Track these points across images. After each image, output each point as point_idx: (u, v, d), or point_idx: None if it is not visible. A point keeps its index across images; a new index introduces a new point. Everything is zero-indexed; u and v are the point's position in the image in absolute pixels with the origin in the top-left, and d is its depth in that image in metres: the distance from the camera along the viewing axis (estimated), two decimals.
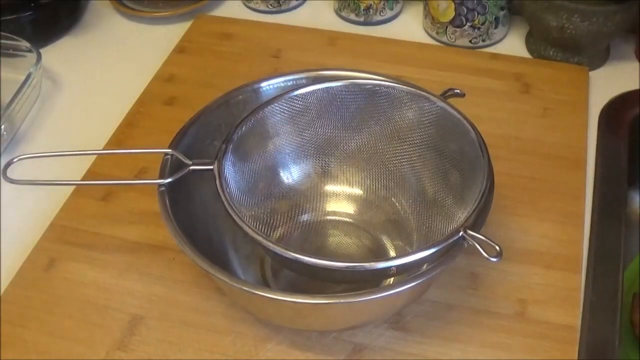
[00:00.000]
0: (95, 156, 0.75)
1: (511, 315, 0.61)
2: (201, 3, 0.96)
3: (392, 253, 0.64)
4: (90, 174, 0.73)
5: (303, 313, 0.56)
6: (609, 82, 0.82)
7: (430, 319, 0.60)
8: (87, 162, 0.74)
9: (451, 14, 0.85)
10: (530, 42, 0.87)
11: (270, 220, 0.64)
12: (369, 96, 0.63)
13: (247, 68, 0.85)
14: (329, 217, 0.67)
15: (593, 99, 0.80)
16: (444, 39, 0.88)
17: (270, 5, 0.95)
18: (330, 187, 0.67)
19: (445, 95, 0.62)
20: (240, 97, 0.65)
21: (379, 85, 0.62)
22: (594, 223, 0.67)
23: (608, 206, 0.68)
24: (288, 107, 0.62)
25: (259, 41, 0.90)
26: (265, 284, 0.63)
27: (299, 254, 0.51)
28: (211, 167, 0.57)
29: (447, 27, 0.86)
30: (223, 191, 0.55)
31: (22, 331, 0.61)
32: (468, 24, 0.85)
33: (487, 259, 0.50)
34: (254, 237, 0.53)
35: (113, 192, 0.71)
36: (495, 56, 0.86)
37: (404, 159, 0.64)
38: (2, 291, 0.63)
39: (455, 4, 0.84)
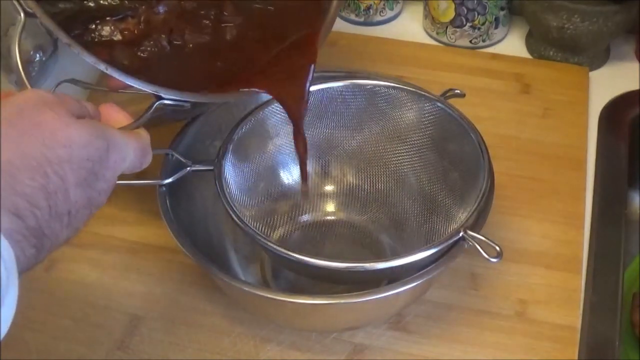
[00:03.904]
0: None
1: (511, 315, 0.61)
2: None
3: (392, 253, 0.64)
4: None
5: (303, 313, 0.56)
6: (609, 82, 0.82)
7: (430, 319, 0.60)
8: None
9: (451, 14, 0.85)
10: (531, 42, 0.87)
11: (270, 220, 0.64)
12: (369, 96, 0.63)
13: None
14: (329, 217, 0.67)
15: (593, 99, 0.80)
16: (444, 39, 0.88)
17: None
18: (330, 187, 0.67)
19: (445, 95, 0.62)
20: None
21: (379, 86, 0.62)
22: (594, 223, 0.67)
23: (608, 206, 0.68)
24: None
25: None
26: (265, 284, 0.63)
27: (299, 254, 0.51)
28: (211, 167, 0.57)
29: (447, 28, 0.86)
30: (223, 191, 0.55)
31: (22, 331, 0.61)
32: (468, 24, 0.85)
33: (487, 259, 0.50)
34: (254, 237, 0.53)
35: (113, 192, 0.71)
36: (495, 56, 0.86)
37: (404, 159, 0.64)
38: None
39: (455, 4, 0.84)
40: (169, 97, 0.52)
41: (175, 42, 0.56)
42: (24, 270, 0.37)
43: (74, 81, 0.56)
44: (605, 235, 0.66)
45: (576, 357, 0.58)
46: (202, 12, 0.58)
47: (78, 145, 0.39)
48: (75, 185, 0.39)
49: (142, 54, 0.55)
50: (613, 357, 0.57)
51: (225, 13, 0.59)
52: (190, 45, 0.57)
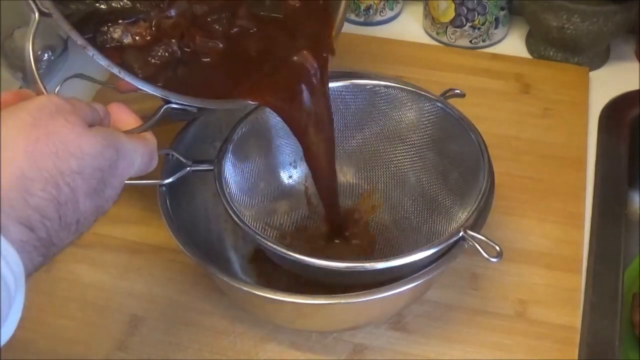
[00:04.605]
0: None
1: (511, 315, 0.61)
2: None
3: (393, 253, 0.64)
4: None
5: (303, 313, 0.56)
6: (609, 82, 0.82)
7: (430, 319, 0.60)
8: None
9: (451, 14, 0.85)
10: (530, 42, 0.87)
11: (270, 220, 0.64)
12: (369, 96, 0.63)
13: None
14: None
15: (593, 99, 0.80)
16: (444, 39, 0.88)
17: None
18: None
19: (445, 95, 0.62)
20: None
21: (379, 86, 0.62)
22: (594, 223, 0.67)
23: (608, 206, 0.68)
24: None
25: None
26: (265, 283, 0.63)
27: (298, 254, 0.51)
28: (211, 167, 0.57)
29: (447, 28, 0.86)
30: (223, 191, 0.55)
31: (22, 332, 0.60)
32: (468, 24, 0.85)
33: (487, 259, 0.50)
34: (254, 237, 0.53)
35: None
36: (495, 56, 0.86)
37: (404, 159, 0.64)
38: None
39: (455, 4, 0.84)
40: (177, 102, 0.52)
41: (186, 49, 0.56)
42: (28, 276, 0.37)
43: (81, 76, 0.56)
44: (605, 235, 0.66)
45: (576, 357, 0.58)
46: (214, 16, 0.58)
47: (90, 156, 0.40)
48: (85, 195, 0.40)
49: (153, 59, 0.55)
50: (613, 357, 0.57)
51: (239, 14, 0.59)
52: (201, 51, 0.57)
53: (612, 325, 0.59)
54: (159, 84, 0.53)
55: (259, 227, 0.60)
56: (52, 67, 0.82)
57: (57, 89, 0.57)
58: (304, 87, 0.58)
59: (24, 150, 0.37)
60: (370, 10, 0.91)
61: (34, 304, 0.62)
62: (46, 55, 0.80)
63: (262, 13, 0.61)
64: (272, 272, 0.61)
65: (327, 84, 0.59)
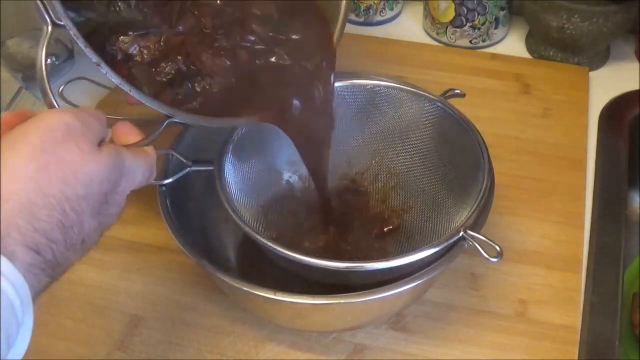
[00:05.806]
0: None
1: (511, 315, 0.61)
2: None
3: (392, 254, 0.64)
4: None
5: (303, 313, 0.56)
6: (609, 82, 0.82)
7: (430, 319, 0.60)
8: None
9: (451, 14, 0.85)
10: (530, 42, 0.87)
11: (270, 220, 0.64)
12: (369, 96, 0.63)
13: None
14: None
15: (593, 99, 0.80)
16: (444, 39, 0.88)
17: None
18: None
19: (445, 95, 0.62)
20: None
21: (379, 86, 0.62)
22: (594, 223, 0.67)
23: (608, 206, 0.68)
24: None
25: None
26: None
27: (298, 254, 0.51)
28: (211, 167, 0.57)
29: (447, 28, 0.86)
30: (223, 191, 0.55)
31: None
32: (468, 24, 0.85)
33: (487, 259, 0.50)
34: (254, 237, 0.53)
35: None
36: (495, 56, 0.86)
37: (404, 159, 0.64)
38: None
39: (455, 4, 0.84)
40: (181, 119, 0.52)
41: (191, 67, 0.56)
42: (37, 296, 0.38)
43: (87, 79, 0.56)
44: (605, 235, 0.66)
45: (576, 357, 0.58)
46: (223, 32, 0.58)
47: (96, 182, 0.40)
48: (89, 217, 0.40)
49: (158, 76, 0.55)
50: (613, 357, 0.57)
51: (253, 26, 0.59)
52: (207, 69, 0.57)
53: (612, 325, 0.59)
54: (165, 101, 0.53)
55: (259, 227, 0.60)
56: (58, 70, 0.82)
57: (60, 89, 0.57)
58: (308, 105, 0.58)
59: (31, 177, 0.37)
60: (370, 10, 0.91)
61: (34, 304, 0.62)
62: (49, 60, 0.81)
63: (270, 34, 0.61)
64: (267, 269, 0.61)
65: (333, 98, 0.59)
